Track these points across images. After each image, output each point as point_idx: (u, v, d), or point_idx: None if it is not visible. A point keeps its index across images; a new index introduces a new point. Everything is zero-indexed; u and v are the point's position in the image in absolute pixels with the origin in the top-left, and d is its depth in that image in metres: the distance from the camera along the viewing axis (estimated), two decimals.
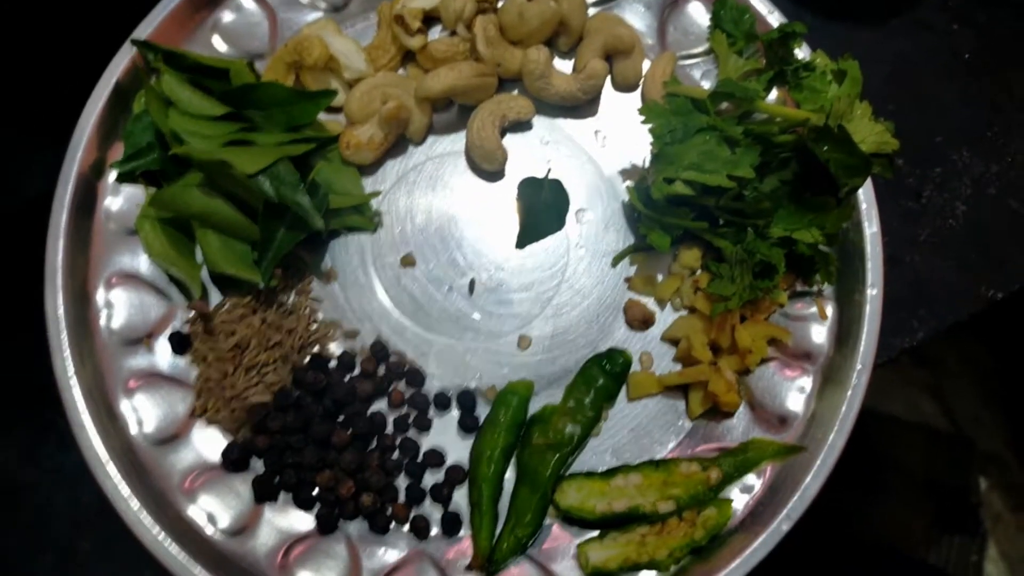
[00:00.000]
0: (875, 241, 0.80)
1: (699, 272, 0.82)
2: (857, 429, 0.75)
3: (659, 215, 0.79)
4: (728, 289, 0.77)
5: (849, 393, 0.76)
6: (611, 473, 0.76)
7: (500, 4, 0.87)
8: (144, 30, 0.83)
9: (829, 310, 0.81)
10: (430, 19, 0.88)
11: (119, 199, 0.81)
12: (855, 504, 1.45)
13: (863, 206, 0.81)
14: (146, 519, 0.70)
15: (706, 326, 0.79)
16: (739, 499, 0.76)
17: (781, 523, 0.72)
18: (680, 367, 0.80)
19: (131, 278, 0.79)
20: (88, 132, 0.80)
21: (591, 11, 0.89)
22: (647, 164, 0.83)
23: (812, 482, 0.73)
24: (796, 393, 0.79)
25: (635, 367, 0.80)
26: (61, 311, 0.75)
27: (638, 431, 0.79)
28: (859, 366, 0.77)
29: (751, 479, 0.77)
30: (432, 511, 0.76)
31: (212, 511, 0.74)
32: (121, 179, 0.81)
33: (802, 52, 0.84)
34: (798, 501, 0.73)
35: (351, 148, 0.82)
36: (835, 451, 0.74)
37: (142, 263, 0.80)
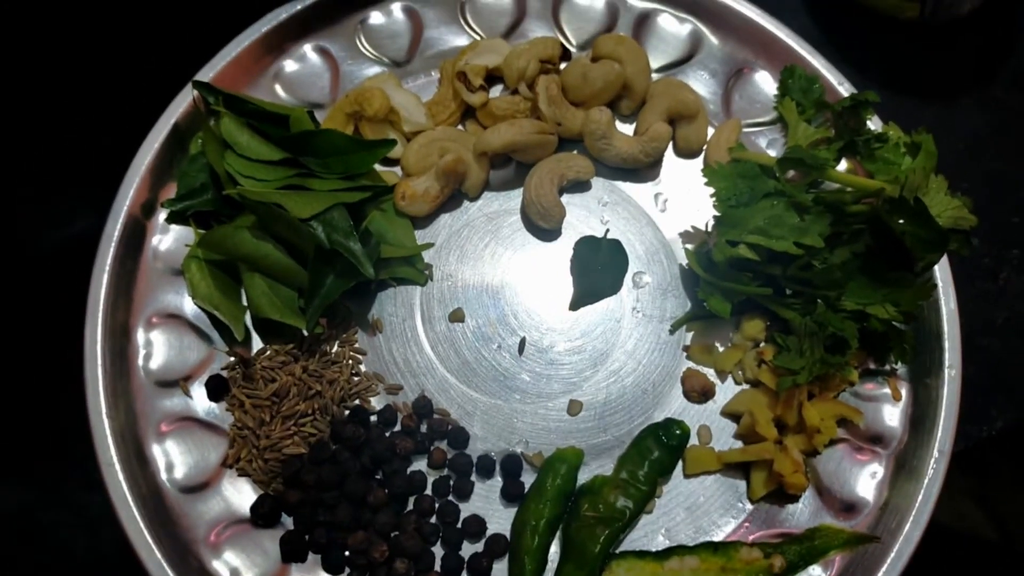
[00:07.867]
0: (952, 320, 0.76)
1: (763, 344, 0.78)
2: None
3: (719, 280, 0.76)
4: (797, 363, 0.72)
5: (926, 481, 0.71)
6: (665, 554, 0.70)
7: (563, 66, 0.86)
8: (207, 74, 0.83)
9: (903, 391, 0.76)
10: (491, 78, 0.87)
11: (168, 239, 0.80)
12: None
13: (939, 283, 0.77)
14: (168, 569, 0.66)
15: (771, 401, 0.74)
16: None
17: None
18: (741, 444, 0.76)
19: (173, 318, 0.77)
20: (143, 170, 0.79)
21: (655, 76, 0.88)
22: (709, 228, 0.80)
23: None
24: (867, 479, 0.73)
25: (692, 441, 0.75)
26: (99, 347, 0.73)
27: (694, 510, 0.73)
28: (936, 453, 0.72)
29: (816, 570, 0.71)
30: None
31: (237, 567, 0.69)
32: (171, 219, 0.80)
33: (873, 124, 0.82)
34: None
35: (406, 199, 0.80)
36: (911, 543, 0.69)
37: (185, 304, 0.78)
